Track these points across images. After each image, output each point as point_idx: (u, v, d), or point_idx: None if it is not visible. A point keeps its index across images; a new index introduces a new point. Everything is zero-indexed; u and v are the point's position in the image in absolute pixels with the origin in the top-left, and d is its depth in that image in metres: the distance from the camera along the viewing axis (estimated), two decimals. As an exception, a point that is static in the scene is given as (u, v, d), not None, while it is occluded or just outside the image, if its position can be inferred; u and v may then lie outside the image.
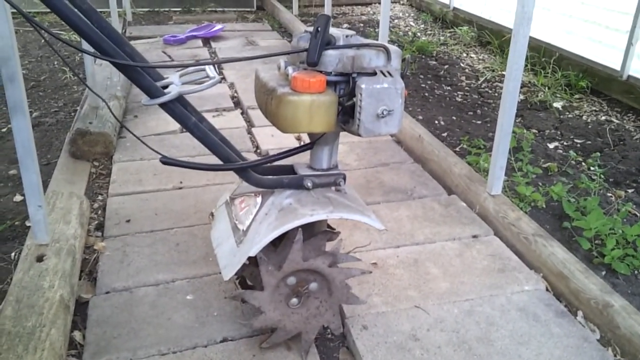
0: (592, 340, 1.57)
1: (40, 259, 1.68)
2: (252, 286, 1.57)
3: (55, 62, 4.11)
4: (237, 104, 3.33)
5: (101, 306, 1.64)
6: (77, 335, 1.55)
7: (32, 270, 1.62)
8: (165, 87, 1.32)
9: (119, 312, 1.62)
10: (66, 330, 1.49)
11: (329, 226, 1.59)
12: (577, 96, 3.60)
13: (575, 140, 2.97)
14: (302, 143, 2.43)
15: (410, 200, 2.27)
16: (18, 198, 2.27)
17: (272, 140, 2.76)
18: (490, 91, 3.71)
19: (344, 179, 1.49)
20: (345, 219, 1.39)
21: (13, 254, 1.91)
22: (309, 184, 1.44)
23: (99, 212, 2.17)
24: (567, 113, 3.35)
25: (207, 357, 1.47)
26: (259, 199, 1.47)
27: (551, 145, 2.90)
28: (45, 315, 1.46)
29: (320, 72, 1.32)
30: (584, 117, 3.29)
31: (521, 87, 3.08)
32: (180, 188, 2.32)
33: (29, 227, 1.78)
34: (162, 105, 1.28)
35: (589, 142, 2.95)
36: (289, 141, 2.74)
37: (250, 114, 3.09)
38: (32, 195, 1.69)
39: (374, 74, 1.31)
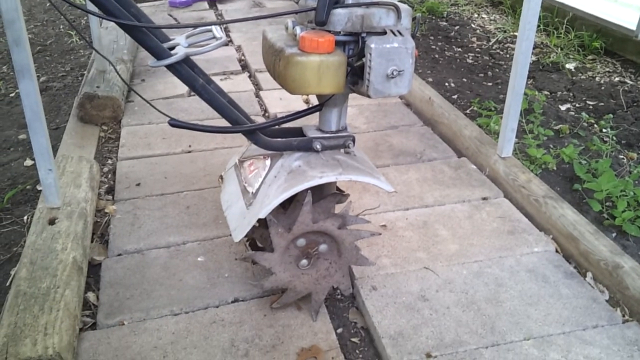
0: (600, 301, 1.58)
1: (52, 222, 1.69)
2: (262, 248, 1.58)
3: (61, 26, 4.07)
4: (245, 67, 3.30)
5: (113, 268, 1.66)
6: (90, 296, 1.58)
7: (45, 233, 1.64)
8: (172, 48, 1.30)
9: (131, 273, 1.64)
10: (80, 292, 1.52)
11: (338, 188, 1.59)
12: (590, 57, 3.53)
13: (588, 102, 2.93)
14: (310, 105, 2.42)
15: (419, 163, 2.26)
16: (28, 162, 2.28)
17: (280, 103, 2.75)
18: (501, 52, 3.64)
19: (353, 141, 1.48)
20: (354, 181, 1.39)
21: (25, 217, 1.93)
22: (318, 146, 1.43)
23: (109, 175, 2.18)
24: (580, 74, 3.29)
25: (219, 317, 1.50)
26: (267, 162, 1.47)
27: (563, 107, 2.86)
28: (59, 277, 1.48)
29: (329, 31, 1.30)
30: (597, 79, 3.23)
31: (533, 48, 3.02)
32: (190, 152, 2.32)
33: (40, 190, 1.79)
34: (169, 67, 1.27)
35: (602, 103, 2.91)
36: (297, 104, 2.72)
37: (258, 77, 3.06)
38: (42, 158, 1.70)
39: (384, 33, 1.28)
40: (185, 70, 1.29)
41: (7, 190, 2.09)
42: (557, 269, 1.69)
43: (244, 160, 1.58)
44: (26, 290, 1.43)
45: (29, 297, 1.41)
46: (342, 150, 1.48)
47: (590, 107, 2.87)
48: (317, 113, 1.49)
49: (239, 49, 3.58)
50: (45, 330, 1.31)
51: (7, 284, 1.63)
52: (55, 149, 2.18)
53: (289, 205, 1.45)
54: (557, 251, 1.79)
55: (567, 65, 3.39)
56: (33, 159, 2.20)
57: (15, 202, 2.03)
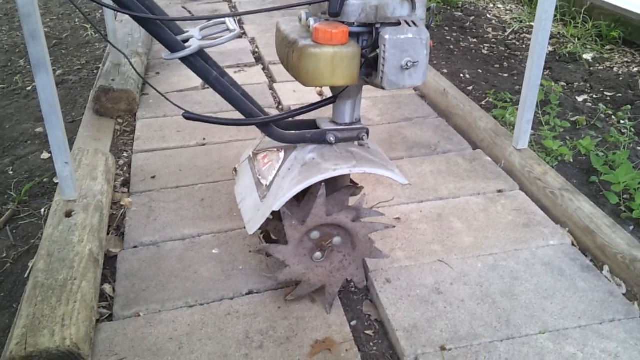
0: (617, 295, 1.56)
1: (69, 214, 1.71)
2: (276, 240, 1.58)
3: (77, 20, 4.10)
4: (259, 59, 3.30)
5: (129, 260, 1.68)
6: (107, 288, 1.59)
7: (62, 226, 1.66)
8: (186, 41, 1.30)
9: (147, 265, 1.65)
10: (96, 283, 1.53)
11: (352, 181, 1.58)
12: (608, 47, 3.48)
13: (605, 93, 2.88)
14: (324, 98, 2.40)
15: (434, 155, 2.24)
16: (45, 155, 2.30)
17: (294, 95, 2.74)
18: (517, 43, 3.60)
19: (367, 133, 1.47)
20: (368, 173, 1.38)
21: (43, 210, 1.95)
22: (332, 139, 1.43)
23: (125, 168, 2.20)
24: (598, 65, 3.24)
25: (233, 309, 1.50)
26: (281, 154, 1.47)
27: (580, 98, 2.82)
28: (76, 269, 1.50)
29: (343, 22, 1.29)
30: (615, 69, 3.18)
31: (550, 39, 2.97)
32: (204, 144, 2.33)
33: (57, 183, 1.81)
34: (183, 60, 1.27)
35: (620, 94, 2.86)
36: (311, 96, 2.72)
37: (272, 69, 3.06)
38: (58, 152, 1.71)
39: (398, 23, 1.27)
40: (199, 62, 1.29)
41: (24, 183, 2.12)
42: (573, 262, 1.68)
43: (257, 153, 1.58)
44: (44, 282, 1.45)
45: (46, 288, 1.43)
46: (356, 143, 1.47)
47: (608, 98, 2.83)
48: (331, 105, 1.48)
49: (252, 41, 3.58)
50: (62, 321, 1.33)
51: (26, 275, 1.66)
52: (71, 142, 2.20)
53: (303, 197, 1.45)
54: (573, 244, 1.77)
55: (585, 56, 3.34)
56: (50, 152, 2.23)
57: (32, 194, 2.05)
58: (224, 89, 1.34)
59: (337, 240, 1.46)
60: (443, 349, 1.38)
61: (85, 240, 1.61)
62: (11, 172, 2.20)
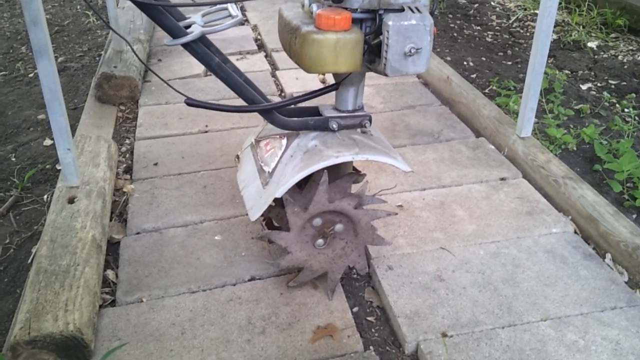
0: (619, 283, 1.56)
1: (71, 200, 1.72)
2: (278, 227, 1.59)
3: (78, 7, 4.08)
4: (261, 46, 3.29)
5: (132, 246, 1.68)
6: (110, 274, 1.60)
7: (65, 212, 1.67)
8: (188, 27, 1.30)
9: (149, 252, 1.66)
10: (99, 269, 1.54)
11: (354, 168, 1.58)
12: (613, 35, 3.45)
13: (610, 81, 2.87)
14: (326, 85, 2.40)
15: (437, 143, 2.24)
16: (48, 142, 2.31)
17: (296, 83, 2.73)
18: (521, 31, 3.58)
19: (370, 120, 1.47)
20: (370, 160, 1.38)
21: (45, 196, 1.96)
22: (334, 126, 1.43)
23: (127, 155, 2.20)
24: (602, 53, 3.22)
25: (236, 295, 1.51)
26: (284, 141, 1.46)
27: (584, 87, 2.80)
28: (79, 255, 1.50)
29: (346, 9, 1.28)
30: (620, 57, 3.16)
31: (554, 26, 2.95)
32: (206, 131, 2.33)
33: (60, 170, 1.81)
34: (185, 46, 1.27)
35: (624, 83, 2.85)
36: (313, 83, 2.71)
37: (275, 56, 3.05)
38: (60, 138, 1.71)
39: (402, 10, 1.26)
40: (201, 49, 1.29)
41: (27, 169, 2.12)
42: (575, 250, 1.68)
43: (260, 140, 1.58)
44: (47, 267, 1.46)
45: (49, 274, 1.44)
46: (358, 130, 1.47)
47: (612, 86, 2.82)
48: (334, 92, 1.48)
49: (255, 28, 3.56)
50: (65, 306, 1.34)
51: (29, 261, 1.67)
52: (74, 129, 2.20)
53: (305, 184, 1.45)
54: (576, 232, 1.77)
55: (589, 44, 3.32)
56: (52, 139, 2.23)
57: (35, 181, 2.06)
58: (226, 76, 1.33)
59: (339, 227, 1.47)
60: (444, 335, 1.39)
61: (88, 226, 1.61)
62: (14, 159, 2.20)
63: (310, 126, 1.43)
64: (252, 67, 2.95)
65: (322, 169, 1.34)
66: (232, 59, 3.00)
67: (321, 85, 2.70)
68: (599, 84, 2.84)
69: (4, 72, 2.99)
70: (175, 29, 1.25)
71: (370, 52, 1.33)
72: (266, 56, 3.13)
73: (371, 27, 1.31)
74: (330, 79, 1.43)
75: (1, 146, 2.29)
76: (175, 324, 1.42)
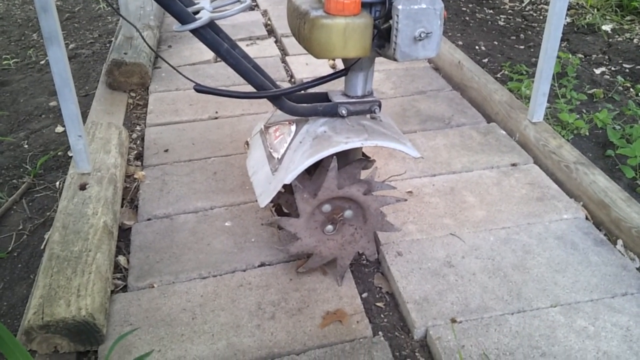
0: (631, 269, 1.55)
1: (83, 187, 1.73)
2: (287, 213, 1.59)
3: (89, -7, 4.08)
4: (271, 32, 3.27)
5: (143, 232, 1.70)
6: (121, 259, 1.62)
7: (76, 198, 1.68)
8: (197, 12, 1.29)
9: (160, 238, 1.67)
10: (111, 255, 1.55)
11: (364, 154, 1.58)
12: (628, 18, 3.39)
13: (624, 65, 2.82)
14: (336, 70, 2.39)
15: (447, 129, 2.22)
16: (59, 129, 2.32)
17: (306, 69, 2.72)
18: (534, 14, 3.53)
19: (379, 106, 1.46)
20: (380, 146, 1.38)
21: (57, 182, 1.98)
22: (344, 112, 1.42)
23: (138, 142, 2.21)
24: (617, 36, 3.17)
25: (246, 281, 1.52)
26: (293, 127, 1.46)
27: (598, 71, 2.76)
28: (91, 241, 1.52)
29: (355, -7, 1.27)
30: (635, 40, 3.11)
31: (568, 9, 2.91)
32: (216, 118, 2.33)
33: (71, 157, 1.82)
34: (194, 32, 1.26)
35: (639, 66, 2.80)
36: (323, 69, 2.70)
37: (284, 42, 3.04)
38: (71, 125, 1.72)
39: (411, -6, 1.25)
40: (210, 34, 1.28)
41: (39, 156, 2.14)
42: (586, 236, 1.66)
43: (269, 126, 1.58)
44: (59, 253, 1.47)
45: (62, 260, 1.45)
46: (368, 116, 1.46)
47: (627, 70, 2.78)
48: (343, 78, 1.47)
49: (264, 13, 3.54)
50: (78, 292, 1.35)
51: (42, 247, 1.69)
52: (85, 116, 2.21)
53: (315, 171, 1.45)
54: (587, 218, 1.76)
55: (604, 27, 3.27)
56: (64, 126, 2.25)
57: (47, 168, 2.07)
58: (235, 62, 1.33)
59: (348, 213, 1.47)
60: (453, 321, 1.39)
61: (100, 212, 1.62)
62: (26, 146, 2.22)
63: (319, 112, 1.42)
64: (262, 52, 2.94)
65: (332, 155, 1.34)
66: (242, 44, 3.00)
67: (331, 71, 2.69)
68: (612, 68, 2.79)
69: (15, 59, 3.01)
70: (183, 15, 1.25)
71: (379, 36, 1.31)
72: (276, 42, 3.12)
73: (381, 11, 1.30)
74: (341, 65, 1.42)
75: (14, 133, 2.31)
76: (186, 309, 1.44)
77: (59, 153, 2.16)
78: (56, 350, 1.32)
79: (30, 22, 3.54)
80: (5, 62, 2.97)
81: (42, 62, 2.96)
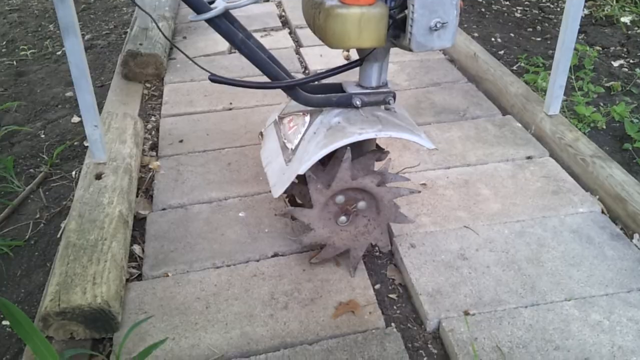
0: (647, 263, 1.53)
1: (99, 176, 1.75)
2: (301, 204, 1.59)
3: (105, -16, 4.10)
4: (285, 23, 3.27)
5: (158, 222, 1.71)
6: (136, 248, 1.63)
7: (92, 188, 1.70)
8: (212, 2, 1.30)
9: (175, 227, 1.68)
10: (126, 244, 1.57)
11: (377, 146, 1.57)
12: (648, 9, 3.34)
13: (643, 58, 2.78)
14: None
15: (462, 121, 2.21)
16: (76, 119, 2.34)
17: (320, 60, 2.72)
18: (552, 5, 3.48)
19: (394, 97, 1.46)
20: (394, 138, 1.37)
21: (74, 172, 2.00)
22: (358, 102, 1.42)
23: (153, 132, 2.22)
24: (636, 28, 3.12)
25: (259, 271, 1.53)
26: (307, 118, 1.46)
27: (616, 63, 2.73)
28: (106, 230, 1.53)
29: (371, -17, 1.26)
30: (655, 32, 3.06)
31: (586, 1, 2.87)
32: (231, 109, 2.33)
33: (87, 146, 1.84)
34: (209, 21, 1.26)
35: (659, 59, 2.76)
36: (337, 60, 2.69)
37: (299, 33, 3.03)
38: (88, 115, 1.74)
39: (427, -16, 1.24)
40: (225, 24, 1.29)
41: (55, 146, 2.16)
42: (602, 230, 1.65)
43: (283, 117, 1.58)
44: (75, 241, 1.49)
45: (78, 248, 1.47)
46: (382, 107, 1.46)
47: (646, 62, 2.74)
48: (357, 69, 1.47)
49: (279, 4, 3.54)
50: (93, 280, 1.37)
51: (58, 235, 1.71)
52: (100, 106, 2.23)
53: (328, 161, 1.45)
54: (603, 212, 1.74)
55: (622, 19, 3.22)
56: (80, 116, 2.27)
57: (64, 157, 2.10)
58: (250, 52, 1.33)
59: (362, 204, 1.46)
60: (467, 313, 1.38)
61: (115, 202, 1.64)
62: (43, 136, 2.25)
63: (333, 103, 1.42)
64: (276, 44, 2.94)
65: (345, 146, 1.34)
66: (257, 35, 3.00)
67: (345, 62, 2.68)
68: (631, 61, 2.75)
69: (32, 50, 3.03)
70: (199, 5, 1.25)
71: (395, 26, 1.31)
72: (290, 33, 3.11)
73: (396, 0, 1.29)
74: (355, 56, 1.41)
75: (31, 123, 2.34)
76: (200, 298, 1.45)
77: (75, 143, 2.18)
78: (72, 337, 1.34)
79: (47, 13, 3.57)
80: (23, 52, 3.00)
81: (59, 53, 2.98)
